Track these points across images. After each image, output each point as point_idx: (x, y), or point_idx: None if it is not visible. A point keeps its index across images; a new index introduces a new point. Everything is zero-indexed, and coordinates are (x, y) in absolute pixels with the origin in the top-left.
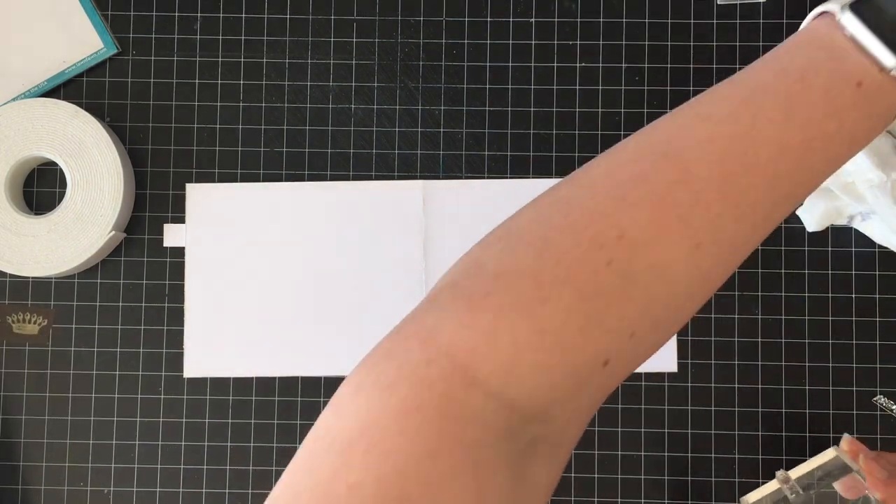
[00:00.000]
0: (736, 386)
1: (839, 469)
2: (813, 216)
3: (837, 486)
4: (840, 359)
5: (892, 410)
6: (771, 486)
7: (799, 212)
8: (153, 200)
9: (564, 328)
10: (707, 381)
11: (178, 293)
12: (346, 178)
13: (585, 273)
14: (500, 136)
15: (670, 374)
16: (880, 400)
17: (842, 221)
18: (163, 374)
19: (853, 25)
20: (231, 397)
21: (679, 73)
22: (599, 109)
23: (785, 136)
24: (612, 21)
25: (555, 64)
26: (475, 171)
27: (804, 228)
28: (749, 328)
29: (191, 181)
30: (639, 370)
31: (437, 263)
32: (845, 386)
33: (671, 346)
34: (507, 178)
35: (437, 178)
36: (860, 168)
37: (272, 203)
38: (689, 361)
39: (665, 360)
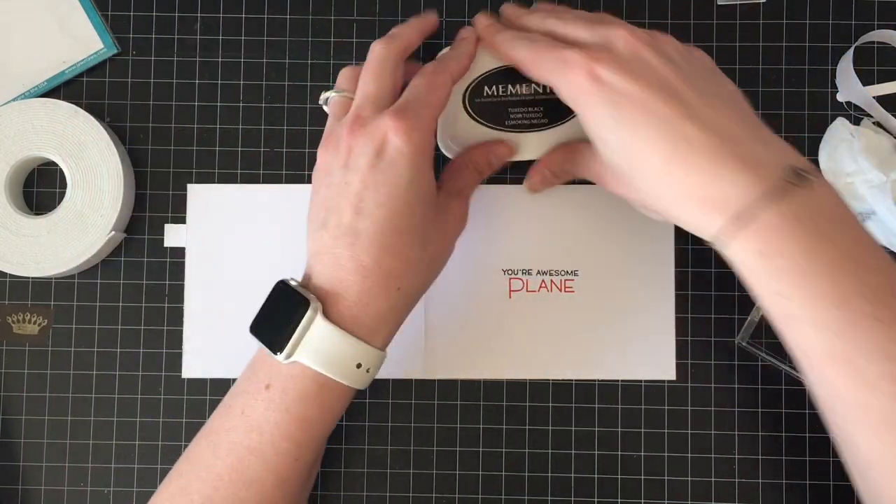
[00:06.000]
0: (736, 386)
1: None
2: None
3: None
4: None
5: None
6: None
7: None
8: (153, 200)
9: None
10: (707, 381)
11: (178, 293)
12: None
13: None
14: None
15: None
16: None
17: None
18: (163, 374)
19: (257, 341)
20: None
21: None
22: None
23: (215, 468)
24: None
25: None
26: None
27: None
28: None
29: (191, 181)
30: (638, 378)
31: None
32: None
33: (669, 353)
34: (507, 177)
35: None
36: (860, 168)
37: (273, 204)
38: (689, 362)
39: (664, 368)
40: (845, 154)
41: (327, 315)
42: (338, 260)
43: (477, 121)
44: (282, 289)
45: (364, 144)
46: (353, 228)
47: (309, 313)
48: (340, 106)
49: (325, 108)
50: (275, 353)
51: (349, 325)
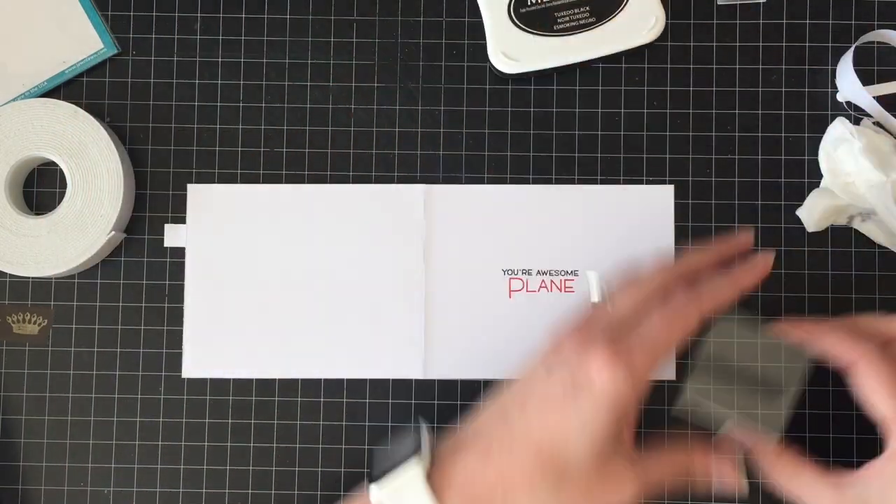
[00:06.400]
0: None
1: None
2: (812, 216)
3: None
4: None
5: None
6: None
7: (798, 212)
8: (153, 200)
9: None
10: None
11: (178, 293)
12: (347, 179)
13: None
14: (501, 136)
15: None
16: None
17: (841, 222)
18: (163, 374)
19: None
20: (231, 397)
21: (679, 73)
22: (599, 110)
23: None
24: None
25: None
26: (475, 171)
27: (804, 229)
28: None
29: (191, 181)
30: None
31: (437, 267)
32: (845, 386)
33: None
34: (506, 177)
35: (438, 178)
36: (860, 168)
37: (273, 204)
38: (689, 362)
39: (663, 368)
40: (845, 154)
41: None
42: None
43: (526, 31)
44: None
45: (563, 370)
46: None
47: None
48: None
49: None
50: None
51: None
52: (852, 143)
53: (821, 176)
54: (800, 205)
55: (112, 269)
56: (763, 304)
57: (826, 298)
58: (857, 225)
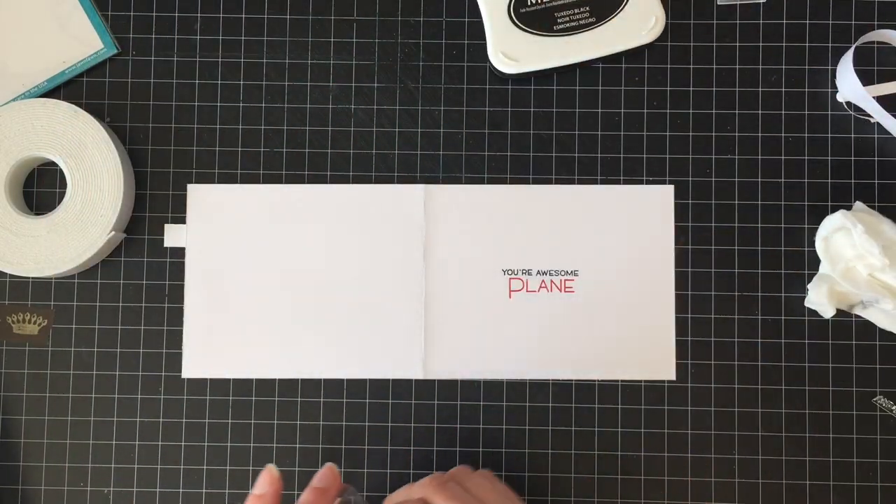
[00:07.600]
0: (735, 386)
1: None
2: (823, 303)
3: None
4: (840, 359)
5: (891, 411)
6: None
7: (807, 304)
8: (153, 200)
9: None
10: (706, 381)
11: (178, 293)
12: (347, 179)
13: None
14: (500, 136)
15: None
16: (880, 400)
17: (842, 307)
18: (163, 374)
19: None
20: (231, 397)
21: (679, 73)
22: (599, 110)
23: None
24: None
25: None
26: (475, 171)
27: (804, 228)
28: (749, 329)
29: (191, 181)
30: (638, 379)
31: (437, 267)
32: (845, 386)
33: (669, 353)
34: (506, 177)
35: (437, 178)
36: (860, 254)
37: (273, 204)
38: (689, 362)
39: (664, 368)
40: (843, 240)
41: None
42: None
43: (526, 31)
44: None
45: None
46: None
47: None
48: None
49: None
50: None
51: None
52: (853, 230)
53: (822, 176)
54: (801, 205)
55: (112, 269)
56: (763, 305)
57: None
58: (860, 312)
